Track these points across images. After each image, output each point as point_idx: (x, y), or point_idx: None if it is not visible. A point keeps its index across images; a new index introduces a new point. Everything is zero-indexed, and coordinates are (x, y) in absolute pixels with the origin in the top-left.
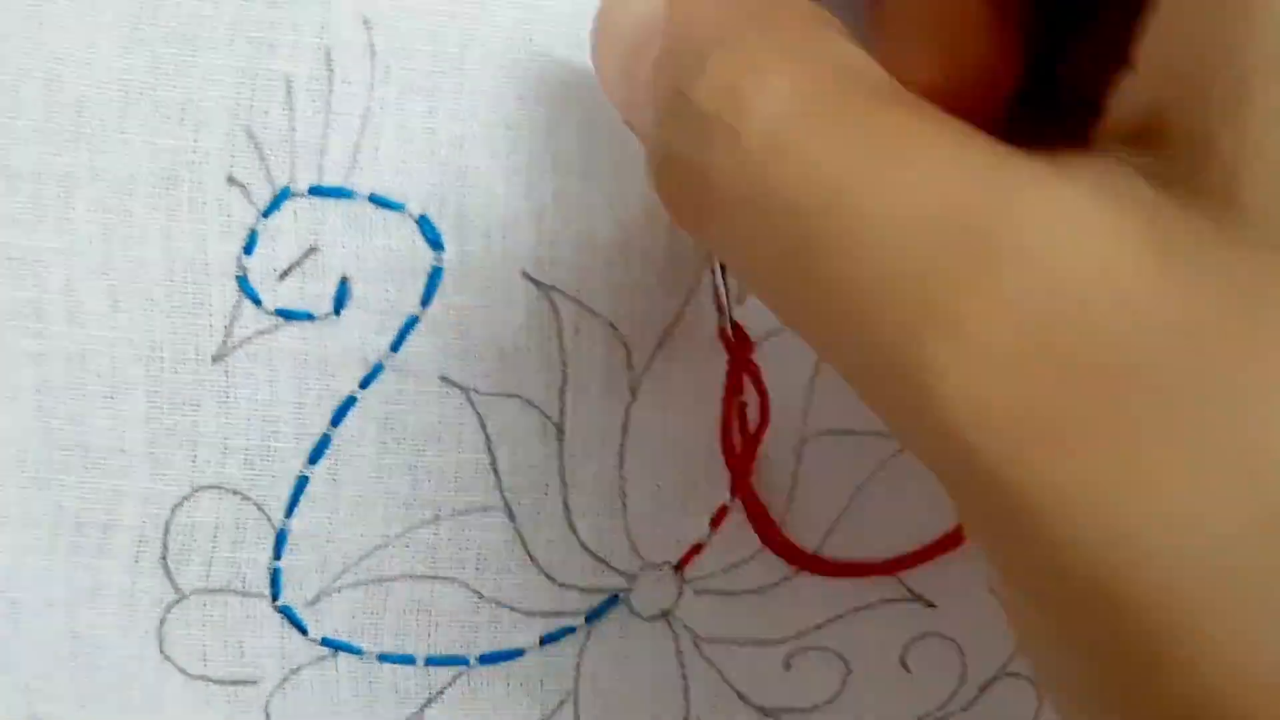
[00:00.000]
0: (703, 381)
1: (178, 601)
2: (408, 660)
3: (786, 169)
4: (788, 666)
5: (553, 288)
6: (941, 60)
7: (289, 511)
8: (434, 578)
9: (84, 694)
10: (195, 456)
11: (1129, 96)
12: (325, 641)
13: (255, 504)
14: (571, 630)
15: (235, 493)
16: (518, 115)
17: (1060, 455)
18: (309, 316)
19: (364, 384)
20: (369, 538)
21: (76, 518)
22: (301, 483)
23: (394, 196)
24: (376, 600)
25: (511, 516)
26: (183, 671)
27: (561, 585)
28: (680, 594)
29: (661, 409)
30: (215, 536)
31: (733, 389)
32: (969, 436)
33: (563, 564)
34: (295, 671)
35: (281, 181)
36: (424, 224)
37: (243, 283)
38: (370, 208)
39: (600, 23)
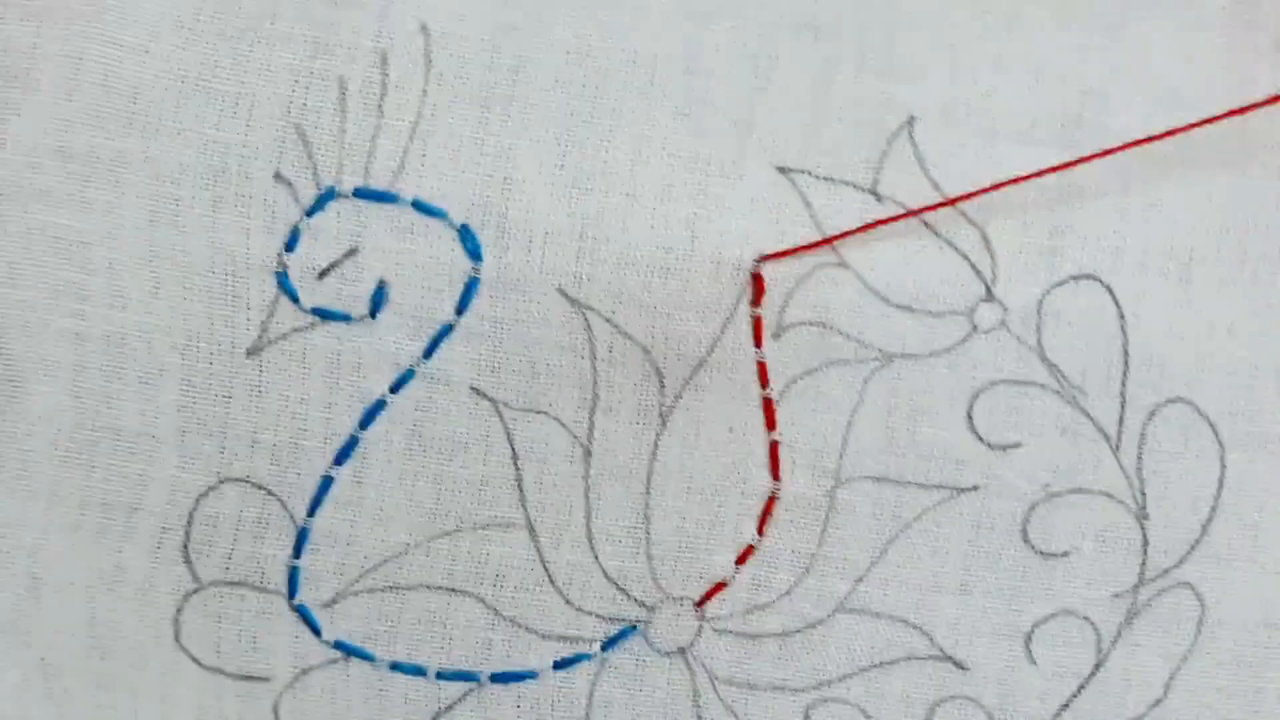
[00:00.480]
0: (734, 416)
1: (196, 591)
2: (419, 672)
3: None
4: (807, 718)
5: (589, 307)
6: None
7: (312, 510)
8: (451, 590)
9: (98, 675)
10: (224, 448)
11: None
12: (338, 645)
13: (280, 500)
14: (587, 657)
15: (260, 487)
16: (568, 130)
17: None
18: (345, 318)
19: (395, 389)
20: (389, 544)
21: (103, 500)
22: (326, 483)
23: (437, 203)
24: (392, 608)
25: (533, 535)
26: (196, 662)
27: (579, 610)
28: (700, 632)
29: (691, 441)
30: (237, 529)
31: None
32: None
33: (582, 588)
34: (306, 672)
35: (328, 181)
36: (464, 233)
37: (282, 279)
38: (413, 213)
39: None
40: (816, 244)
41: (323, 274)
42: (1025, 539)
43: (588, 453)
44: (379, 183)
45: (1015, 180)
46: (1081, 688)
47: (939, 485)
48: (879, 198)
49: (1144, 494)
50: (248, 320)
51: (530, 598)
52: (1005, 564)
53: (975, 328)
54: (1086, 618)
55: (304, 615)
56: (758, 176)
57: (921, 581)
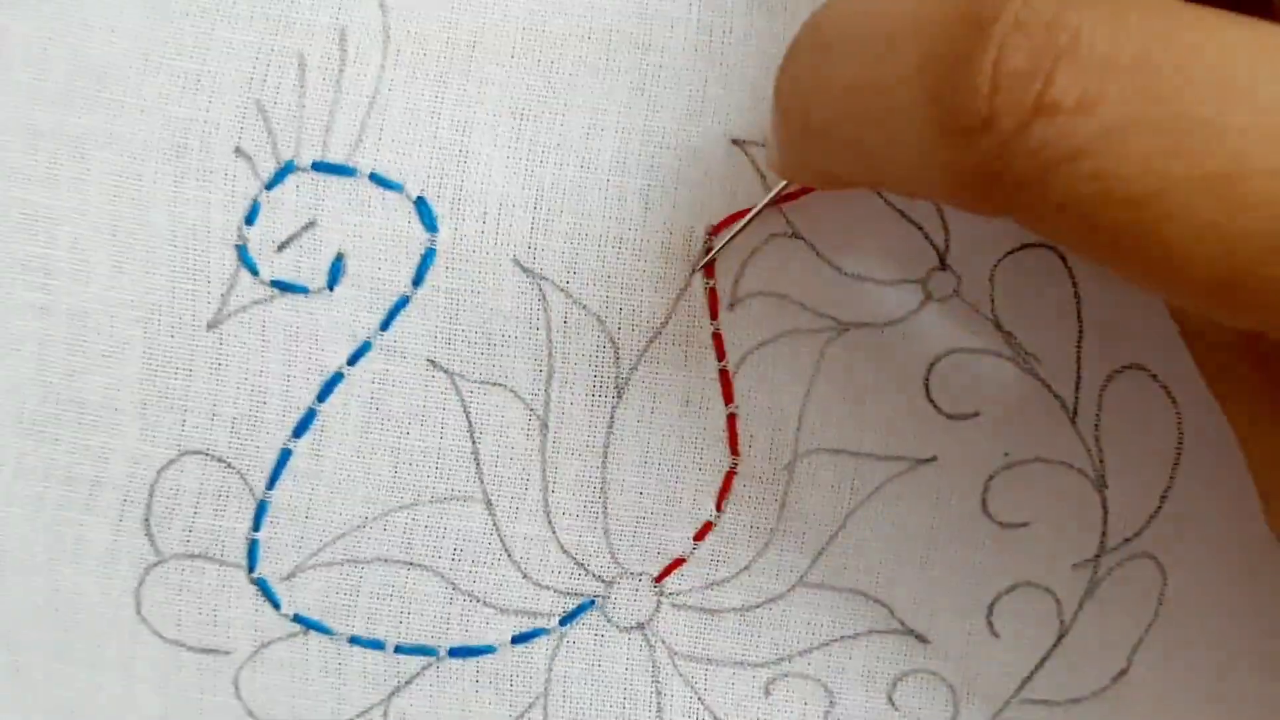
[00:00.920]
0: (691, 389)
1: (157, 564)
2: (377, 645)
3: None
4: (768, 692)
5: (543, 277)
6: None
7: (271, 483)
8: (409, 564)
9: (60, 647)
10: (184, 421)
11: None
12: (297, 618)
13: (239, 473)
14: (544, 632)
15: (220, 460)
16: (524, 104)
17: None
18: (303, 290)
19: (352, 361)
20: (347, 517)
21: (67, 472)
22: (284, 456)
23: (394, 176)
24: (350, 581)
25: (490, 508)
26: (157, 634)
27: (536, 584)
28: (658, 607)
29: (648, 414)
30: (198, 502)
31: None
32: None
33: (539, 562)
34: (266, 645)
35: (287, 155)
36: (421, 205)
37: (242, 252)
38: (370, 186)
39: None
40: (763, 206)
41: (282, 247)
42: (985, 510)
43: (544, 425)
44: (337, 156)
45: None
46: (1044, 660)
47: (897, 457)
48: None
49: (1102, 463)
50: (208, 294)
51: (488, 571)
52: (965, 536)
53: (929, 296)
54: (1048, 589)
55: (263, 589)
56: (712, 149)
57: (882, 554)
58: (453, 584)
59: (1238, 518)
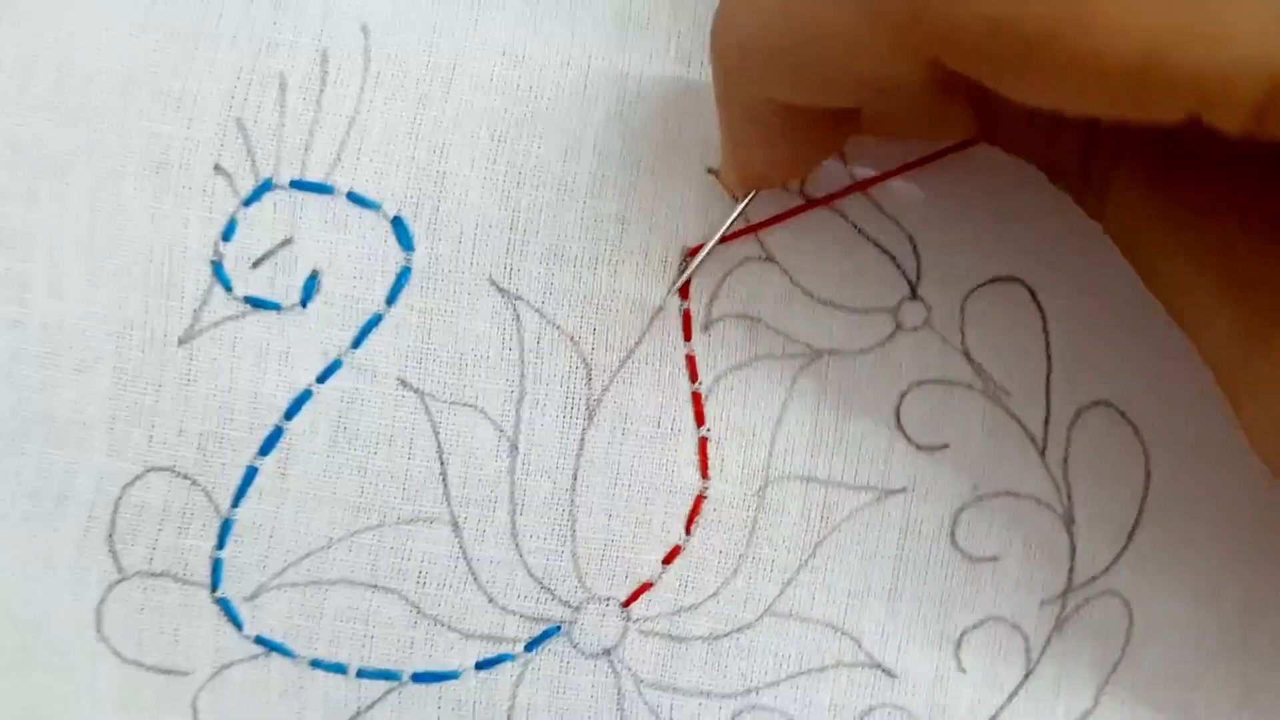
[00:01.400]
0: (663, 411)
1: (119, 581)
2: (339, 669)
3: None
4: None
5: (518, 297)
6: None
7: (236, 501)
8: (374, 586)
9: (18, 665)
10: (152, 437)
11: None
12: (259, 640)
13: (204, 490)
14: (509, 658)
15: (185, 477)
16: (502, 127)
17: None
18: (275, 306)
19: (321, 379)
20: (312, 537)
21: (34, 487)
22: (250, 473)
23: (372, 196)
24: (314, 603)
25: (457, 530)
26: (117, 654)
27: (502, 609)
28: (625, 633)
29: (619, 435)
30: (162, 520)
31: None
32: None
33: (505, 586)
34: (227, 667)
35: (265, 173)
36: (398, 225)
37: (217, 268)
38: (348, 205)
39: None
40: (740, 232)
41: (257, 263)
42: (954, 543)
43: (514, 447)
44: (316, 175)
45: (922, 160)
46: (1011, 697)
47: (867, 486)
48: (807, 198)
49: (1070, 499)
50: (181, 309)
51: (453, 595)
52: (934, 569)
53: (900, 325)
54: (1016, 625)
55: (226, 609)
56: (688, 175)
57: (850, 585)
58: (417, 607)
59: (1205, 557)
